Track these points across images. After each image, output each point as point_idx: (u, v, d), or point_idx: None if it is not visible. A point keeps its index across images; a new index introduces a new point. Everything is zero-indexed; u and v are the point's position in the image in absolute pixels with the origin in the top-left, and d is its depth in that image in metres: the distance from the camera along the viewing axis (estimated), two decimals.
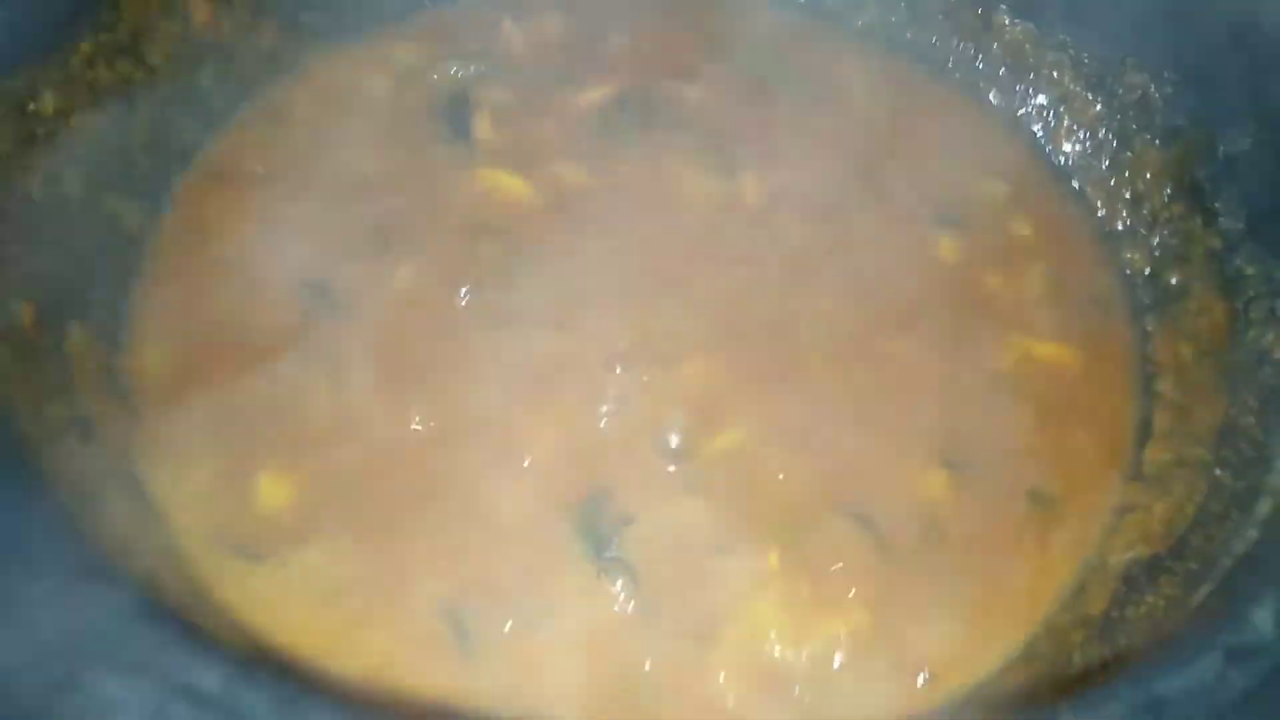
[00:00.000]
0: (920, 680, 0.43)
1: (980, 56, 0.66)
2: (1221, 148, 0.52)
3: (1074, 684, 0.35)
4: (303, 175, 0.59)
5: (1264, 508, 0.37)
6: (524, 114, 0.63)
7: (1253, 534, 0.36)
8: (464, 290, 0.53)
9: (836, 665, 0.43)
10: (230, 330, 0.52)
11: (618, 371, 0.51)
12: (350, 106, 0.63)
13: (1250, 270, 0.49)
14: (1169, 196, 0.56)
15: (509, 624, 0.42)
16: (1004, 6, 0.64)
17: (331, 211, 0.57)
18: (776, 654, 0.43)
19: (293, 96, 0.63)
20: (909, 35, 0.68)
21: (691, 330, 0.53)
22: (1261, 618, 0.29)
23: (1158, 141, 0.57)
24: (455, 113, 0.62)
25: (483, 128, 0.61)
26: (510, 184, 0.59)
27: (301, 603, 0.43)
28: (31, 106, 0.46)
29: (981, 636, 0.44)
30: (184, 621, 0.30)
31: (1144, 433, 0.51)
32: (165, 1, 0.55)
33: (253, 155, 0.59)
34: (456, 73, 0.64)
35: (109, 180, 0.52)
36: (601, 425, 0.49)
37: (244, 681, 0.28)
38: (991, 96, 0.65)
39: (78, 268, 0.49)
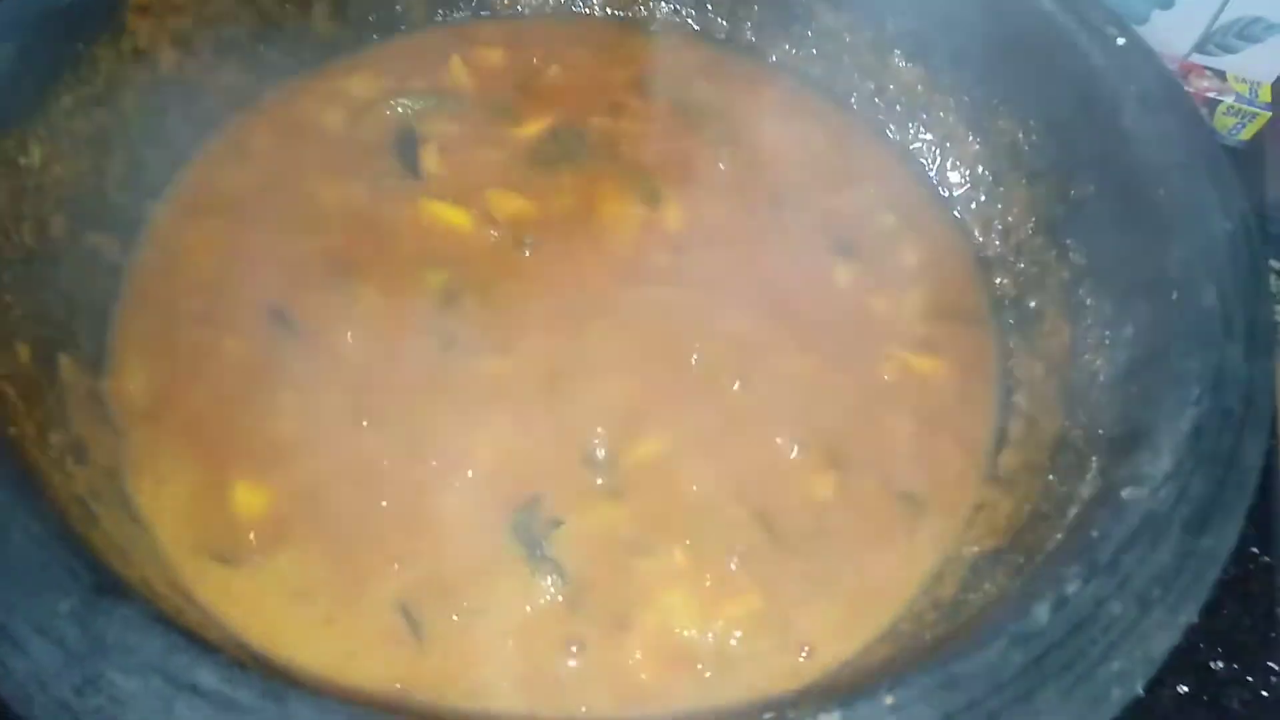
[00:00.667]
0: (802, 655, 0.51)
1: (878, 94, 0.73)
2: (1073, 191, 0.60)
3: (924, 658, 0.43)
4: (264, 206, 0.64)
5: (1072, 512, 0.45)
6: (467, 146, 0.69)
7: (1059, 536, 0.44)
8: (414, 317, 0.59)
9: (734, 644, 0.50)
10: (203, 353, 0.58)
11: (549, 390, 0.58)
12: (306, 139, 0.68)
13: (1089, 301, 0.57)
14: (1031, 229, 0.63)
15: (455, 616, 0.49)
16: (899, 50, 0.71)
17: (292, 241, 0.63)
18: (685, 635, 0.51)
19: (253, 130, 0.68)
20: (817, 72, 0.76)
21: (616, 350, 0.60)
22: (1040, 610, 0.38)
23: (1024, 180, 0.64)
24: (404, 146, 0.68)
25: (429, 161, 0.68)
26: (454, 216, 0.65)
27: (274, 603, 0.49)
28: (23, 161, 0.51)
29: (855, 617, 0.52)
30: (183, 628, 0.37)
31: (1001, 440, 0.59)
32: (136, 52, 0.60)
33: (217, 187, 0.65)
34: (404, 108, 0.70)
35: (88, 219, 0.57)
36: (535, 440, 0.56)
37: (238, 677, 0.35)
38: (888, 131, 0.73)
39: (64, 303, 0.54)
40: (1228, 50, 0.92)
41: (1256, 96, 0.90)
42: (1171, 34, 0.91)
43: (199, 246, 0.62)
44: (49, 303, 0.53)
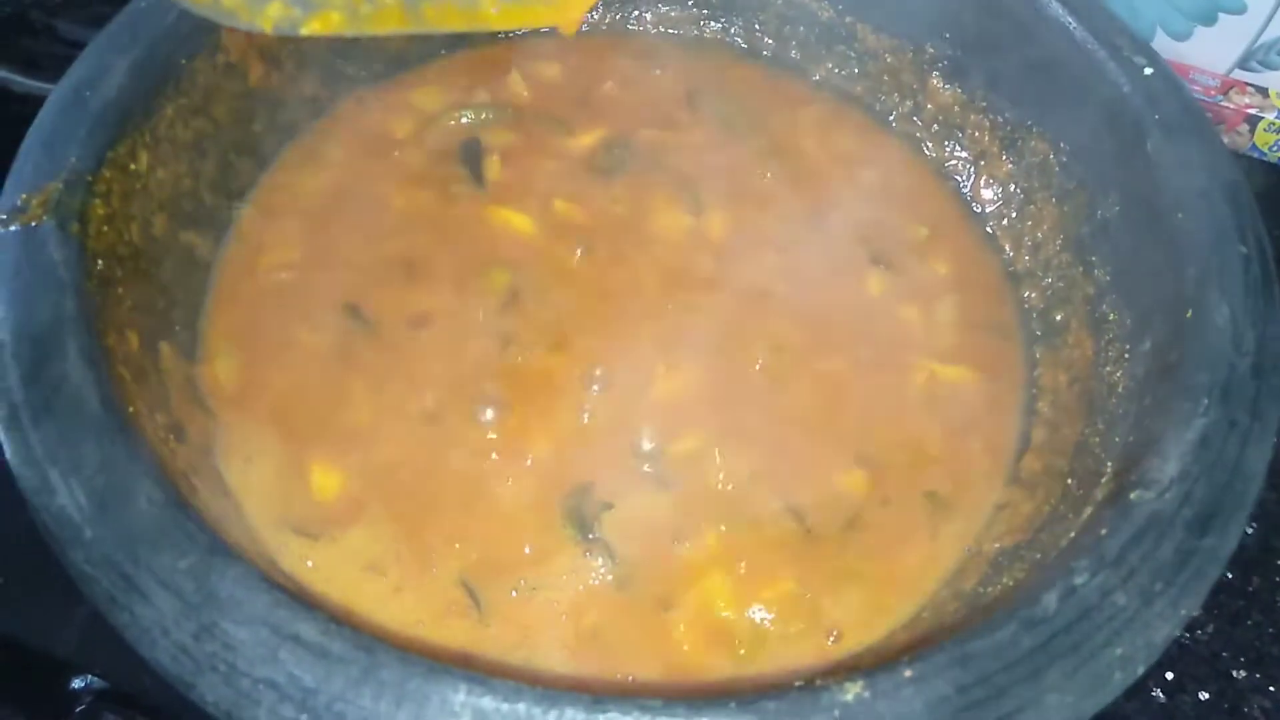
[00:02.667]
0: (830, 639, 0.55)
1: (916, 113, 0.77)
2: (1099, 211, 0.63)
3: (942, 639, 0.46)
4: (339, 209, 0.69)
5: (1085, 514, 0.49)
6: (526, 156, 0.74)
7: (1071, 534, 0.48)
8: (479, 316, 0.64)
9: (768, 625, 0.54)
10: (284, 344, 0.63)
11: (601, 387, 0.62)
12: (377, 148, 0.73)
13: (1112, 316, 0.60)
14: (1059, 246, 0.67)
15: (514, 592, 0.54)
16: (937, 72, 0.75)
17: (365, 242, 0.68)
18: (723, 615, 0.55)
19: (328, 139, 0.73)
20: (858, 90, 0.79)
21: (662, 350, 0.64)
22: (1050, 598, 0.42)
23: (1054, 199, 0.68)
24: (469, 155, 0.73)
25: (492, 170, 0.72)
26: (518, 221, 0.69)
27: (349, 574, 0.54)
28: (133, 167, 0.57)
29: (880, 606, 0.55)
30: (283, 587, 0.42)
31: (1024, 444, 0.62)
32: (228, 66, 0.65)
33: (295, 191, 0.70)
34: (468, 119, 0.74)
35: (184, 219, 0.62)
36: (588, 432, 0.60)
37: (333, 630, 0.39)
38: (925, 148, 0.77)
39: (164, 296, 0.60)
40: (1270, 67, 0.93)
41: None
42: (1213, 50, 0.92)
43: (280, 245, 0.67)
44: (152, 295, 0.58)
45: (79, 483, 0.42)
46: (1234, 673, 0.63)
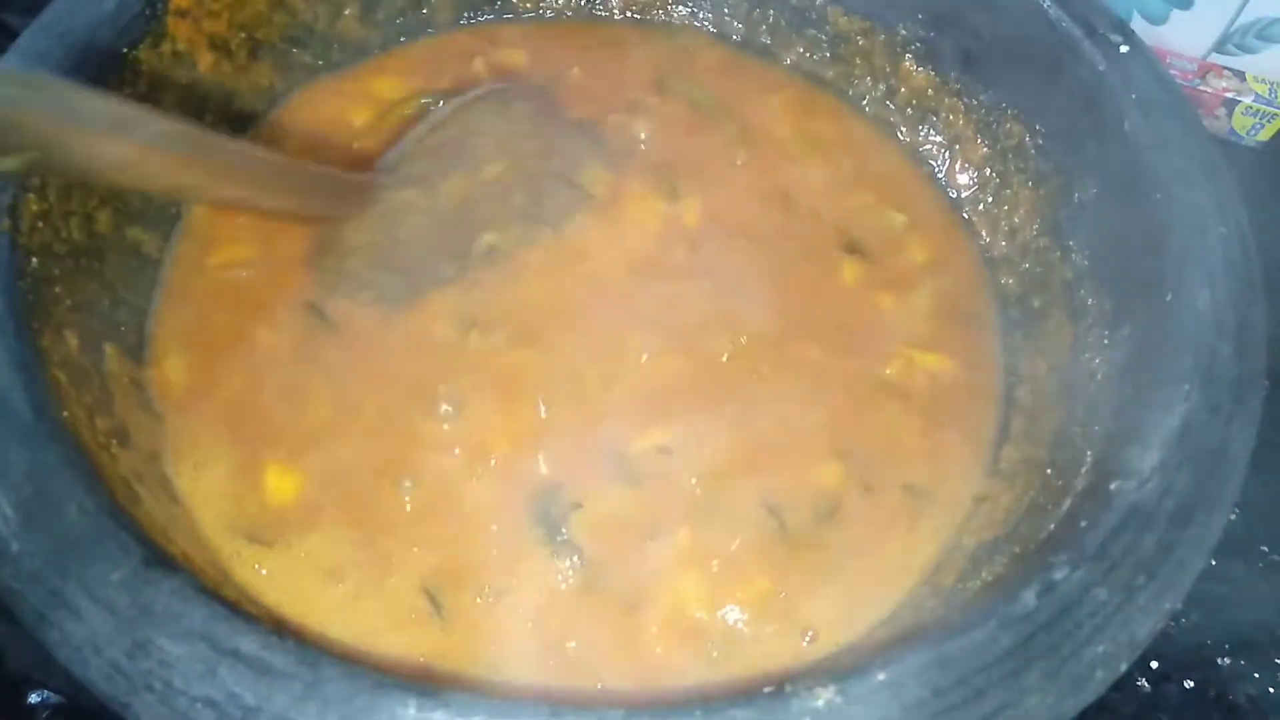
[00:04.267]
0: (806, 639, 0.53)
1: (890, 97, 0.75)
2: (1076, 194, 0.62)
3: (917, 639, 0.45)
4: None
5: (1065, 506, 0.47)
6: None
7: (1051, 526, 0.46)
8: (441, 309, 0.62)
9: (742, 626, 0.53)
10: (237, 343, 0.61)
11: (570, 380, 0.60)
12: (336, 138, 0.71)
13: (1090, 301, 0.59)
14: (1037, 230, 0.65)
15: (478, 598, 0.52)
16: (910, 54, 0.73)
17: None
18: (695, 616, 0.53)
19: (285, 129, 0.71)
20: (830, 74, 0.77)
21: (634, 341, 0.62)
22: (1028, 595, 0.40)
23: (1030, 183, 0.66)
24: None
25: None
26: None
27: (306, 582, 0.52)
28: None
29: (858, 604, 0.54)
30: (223, 599, 0.40)
31: (1003, 434, 0.61)
32: (175, 55, 0.63)
33: None
34: (430, 106, 0.72)
35: (130, 214, 0.60)
36: (554, 427, 0.58)
37: (275, 645, 0.37)
38: (899, 133, 0.75)
39: (109, 295, 0.57)
40: (1247, 50, 0.93)
41: (1276, 97, 0.90)
42: (1190, 34, 0.92)
43: (234, 242, 0.65)
44: (94, 294, 0.55)
45: (3, 492, 0.40)
46: (1219, 660, 0.62)
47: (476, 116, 0.68)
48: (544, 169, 0.69)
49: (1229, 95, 0.90)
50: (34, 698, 0.59)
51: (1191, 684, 0.61)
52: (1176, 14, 0.92)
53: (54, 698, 0.59)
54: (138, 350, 0.59)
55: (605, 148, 0.71)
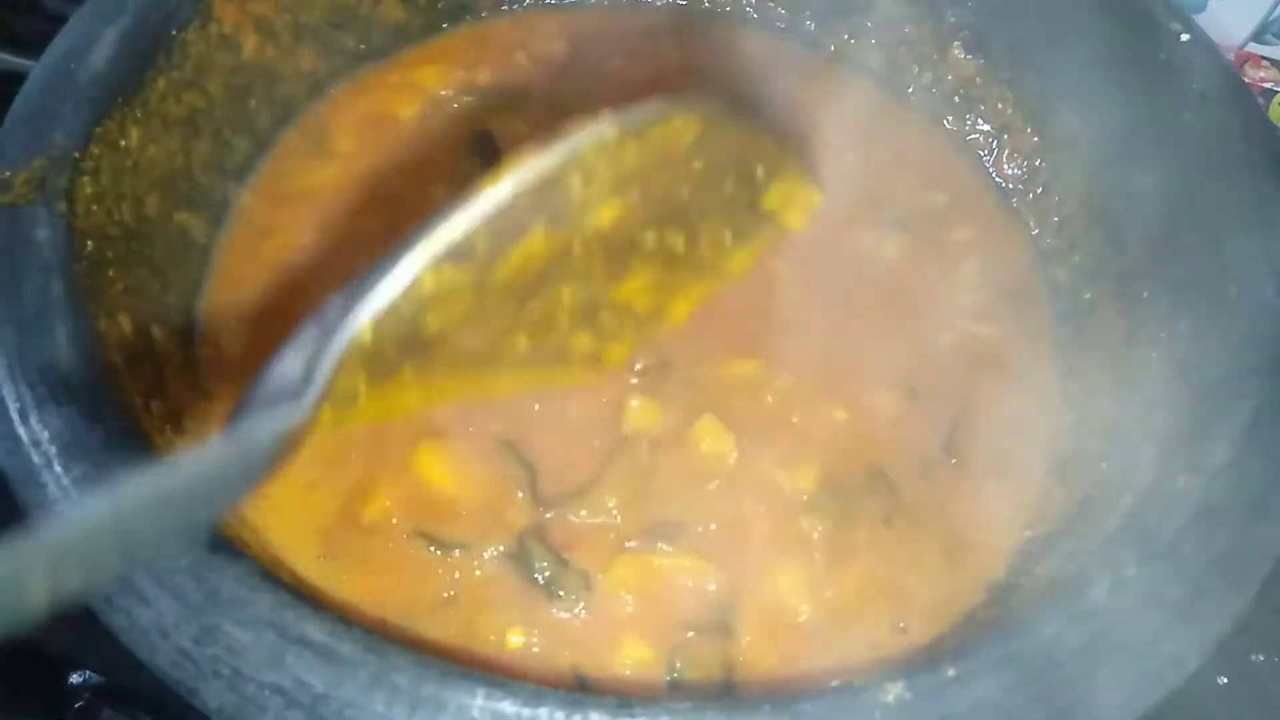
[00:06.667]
0: (899, 628, 0.51)
1: (936, 85, 0.74)
2: (1131, 185, 0.61)
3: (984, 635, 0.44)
4: (345, 197, 0.67)
5: (1125, 501, 0.46)
6: (536, 138, 0.70)
7: (1115, 522, 0.46)
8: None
9: (833, 613, 0.51)
10: (286, 326, 0.61)
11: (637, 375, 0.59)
12: (382, 128, 0.71)
13: (1145, 294, 0.58)
14: (1088, 223, 0.64)
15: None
16: (958, 42, 0.72)
17: (373, 230, 0.65)
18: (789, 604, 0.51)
19: (330, 118, 0.70)
20: (875, 62, 0.76)
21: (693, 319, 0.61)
22: (1098, 591, 0.39)
23: (1082, 174, 0.65)
24: (482, 148, 0.69)
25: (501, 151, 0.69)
26: None
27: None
28: (122, 143, 0.54)
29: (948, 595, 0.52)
30: (288, 585, 0.40)
31: (1059, 424, 0.60)
32: (221, 37, 0.63)
33: (297, 173, 0.68)
34: (474, 99, 0.72)
35: (178, 199, 0.60)
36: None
37: (342, 632, 0.37)
38: (945, 122, 0.74)
39: (158, 279, 0.57)
40: None
41: None
42: (1229, 23, 0.90)
43: (289, 230, 0.64)
44: (145, 278, 0.55)
45: (70, 476, 0.40)
46: (1253, 656, 0.62)
47: None
48: None
49: (1267, 86, 0.89)
50: (75, 678, 0.59)
51: (1226, 680, 0.60)
52: (1214, 3, 0.90)
53: (94, 678, 0.59)
54: (187, 334, 0.59)
55: None
